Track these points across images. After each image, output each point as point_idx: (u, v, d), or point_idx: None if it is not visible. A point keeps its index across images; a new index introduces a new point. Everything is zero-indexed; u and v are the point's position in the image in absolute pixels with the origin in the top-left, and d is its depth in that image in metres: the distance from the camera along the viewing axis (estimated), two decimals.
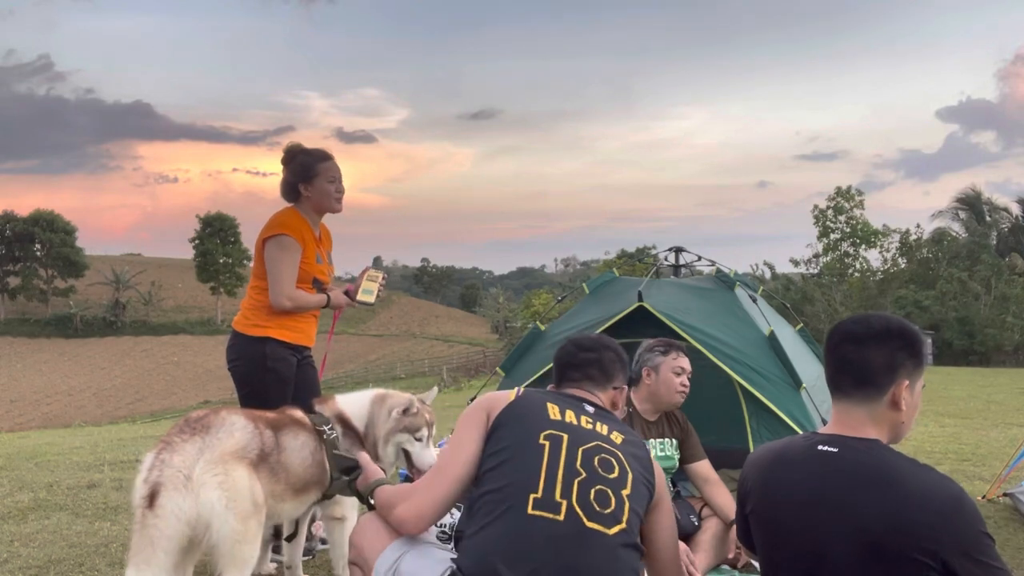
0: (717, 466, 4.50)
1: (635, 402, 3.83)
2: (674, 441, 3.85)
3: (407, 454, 3.16)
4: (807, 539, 1.83)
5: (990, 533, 1.76)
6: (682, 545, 3.45)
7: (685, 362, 3.80)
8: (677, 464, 3.85)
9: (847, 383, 1.89)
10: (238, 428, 2.74)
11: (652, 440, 3.79)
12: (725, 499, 3.68)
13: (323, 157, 3.71)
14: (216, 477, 2.57)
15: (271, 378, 3.62)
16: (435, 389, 3.58)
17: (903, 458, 1.83)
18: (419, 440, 3.16)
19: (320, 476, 3.01)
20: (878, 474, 1.78)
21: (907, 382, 1.86)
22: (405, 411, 3.16)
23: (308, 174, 3.67)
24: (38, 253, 68.90)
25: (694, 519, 3.69)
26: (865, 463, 1.80)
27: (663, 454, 3.81)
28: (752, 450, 3.94)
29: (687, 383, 3.80)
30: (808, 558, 1.83)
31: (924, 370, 1.92)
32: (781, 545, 1.91)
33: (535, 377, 4.51)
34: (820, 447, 1.87)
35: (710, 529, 3.62)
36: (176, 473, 2.53)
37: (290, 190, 3.70)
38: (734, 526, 3.40)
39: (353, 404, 3.19)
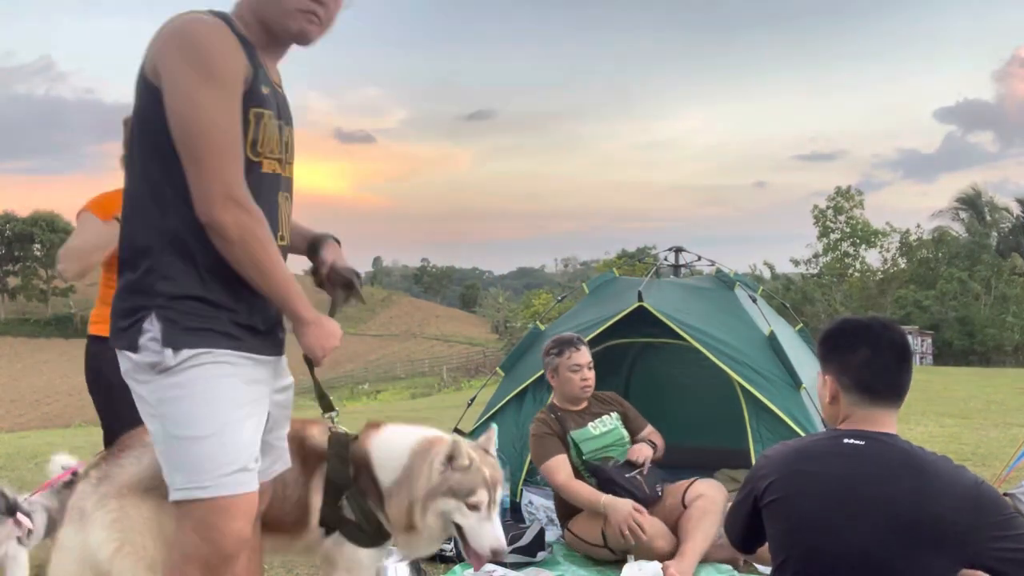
0: (717, 466, 4.50)
1: (557, 405, 3.92)
2: (614, 414, 3.92)
3: (459, 528, 2.29)
4: (834, 528, 1.91)
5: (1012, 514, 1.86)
6: (632, 504, 3.49)
7: (580, 356, 3.84)
8: (627, 437, 3.88)
9: (892, 395, 2.02)
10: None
11: (589, 423, 3.84)
12: (657, 436, 3.90)
13: None
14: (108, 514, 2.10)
15: (92, 386, 3.03)
16: (494, 429, 2.57)
17: (921, 449, 1.95)
18: (474, 509, 2.27)
19: (296, 518, 2.32)
20: (904, 463, 1.89)
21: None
22: (450, 460, 2.28)
23: None
24: (38, 253, 68.82)
25: (659, 488, 3.73)
26: (891, 455, 1.91)
27: (606, 429, 3.84)
28: (752, 450, 3.97)
29: (587, 376, 3.85)
30: (834, 547, 1.90)
31: None
32: (804, 535, 1.96)
33: (535, 377, 4.51)
34: (846, 440, 1.97)
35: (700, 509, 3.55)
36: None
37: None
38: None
39: (387, 447, 2.37)
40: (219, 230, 1.70)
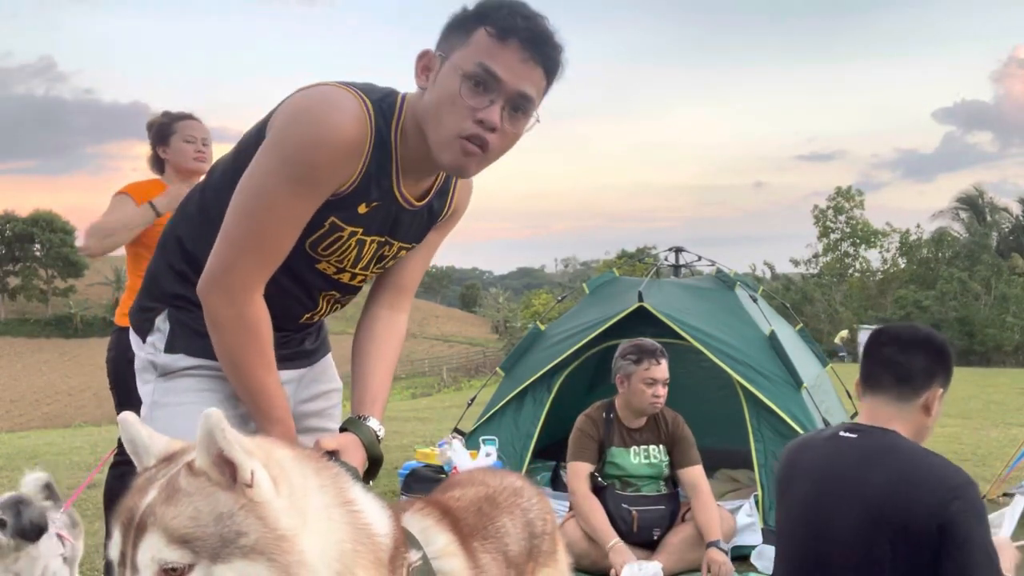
0: (717, 466, 4.50)
1: (616, 408, 3.72)
2: (661, 447, 3.72)
3: None
4: (819, 514, 1.96)
5: (987, 527, 1.83)
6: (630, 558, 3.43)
7: (658, 371, 3.61)
8: (664, 474, 3.72)
9: (887, 380, 2.00)
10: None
11: (634, 447, 3.68)
12: (708, 514, 3.53)
13: (181, 117, 3.32)
14: None
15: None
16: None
17: (916, 445, 1.95)
18: None
19: None
20: (883, 453, 1.91)
21: (941, 391, 2.01)
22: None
23: (164, 135, 3.28)
24: (38, 253, 68.85)
25: (656, 532, 3.62)
26: (875, 445, 1.93)
27: (646, 461, 3.69)
28: (753, 450, 3.97)
29: (661, 393, 3.62)
30: (819, 532, 1.96)
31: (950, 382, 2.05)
32: (796, 520, 2.04)
33: (535, 377, 4.51)
34: (842, 433, 2.02)
35: (682, 532, 3.57)
36: None
37: (153, 160, 3.33)
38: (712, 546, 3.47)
39: None
40: (203, 306, 1.59)
